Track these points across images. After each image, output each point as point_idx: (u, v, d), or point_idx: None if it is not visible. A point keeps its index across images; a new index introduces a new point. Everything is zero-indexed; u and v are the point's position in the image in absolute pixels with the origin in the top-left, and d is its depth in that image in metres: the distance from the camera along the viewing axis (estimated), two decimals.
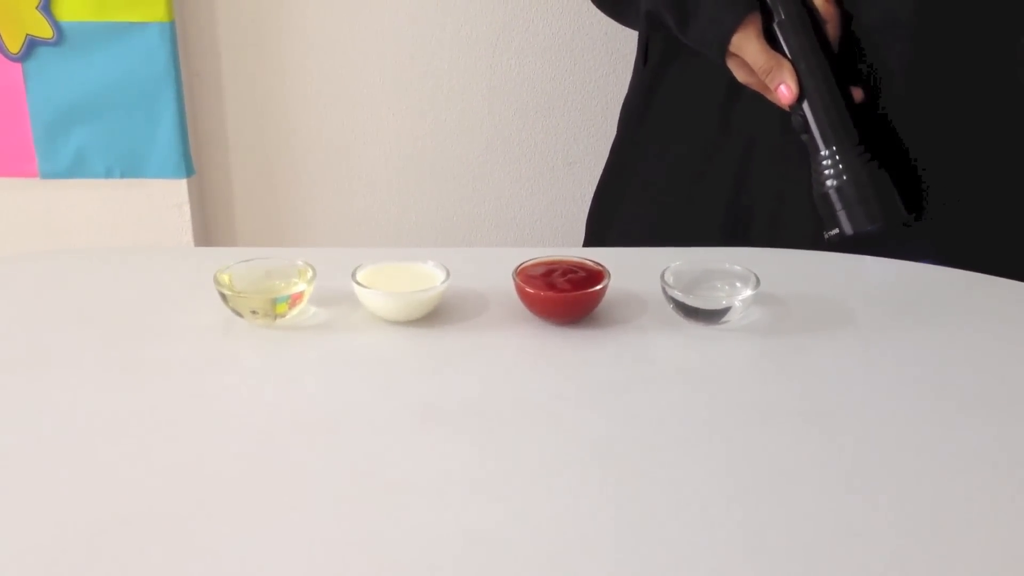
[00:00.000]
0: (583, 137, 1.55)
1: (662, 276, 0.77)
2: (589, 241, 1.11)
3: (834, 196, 0.81)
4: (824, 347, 0.74)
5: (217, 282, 0.75)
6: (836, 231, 0.82)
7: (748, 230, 0.97)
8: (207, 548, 0.52)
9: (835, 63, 0.83)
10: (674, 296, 0.76)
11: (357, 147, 1.56)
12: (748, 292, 0.76)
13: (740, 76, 0.87)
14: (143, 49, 1.41)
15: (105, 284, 0.84)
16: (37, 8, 1.38)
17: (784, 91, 0.82)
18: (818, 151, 0.82)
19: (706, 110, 0.96)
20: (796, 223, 0.93)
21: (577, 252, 0.80)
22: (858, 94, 0.84)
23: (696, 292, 0.77)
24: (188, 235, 1.56)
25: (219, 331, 0.75)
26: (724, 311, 0.76)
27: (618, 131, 1.07)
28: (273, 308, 0.75)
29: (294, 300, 0.76)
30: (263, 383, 0.69)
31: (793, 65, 0.82)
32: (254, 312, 0.75)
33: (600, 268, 0.77)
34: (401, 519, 0.54)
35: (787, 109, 0.83)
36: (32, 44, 1.41)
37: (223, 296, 0.75)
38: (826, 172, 0.81)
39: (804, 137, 0.83)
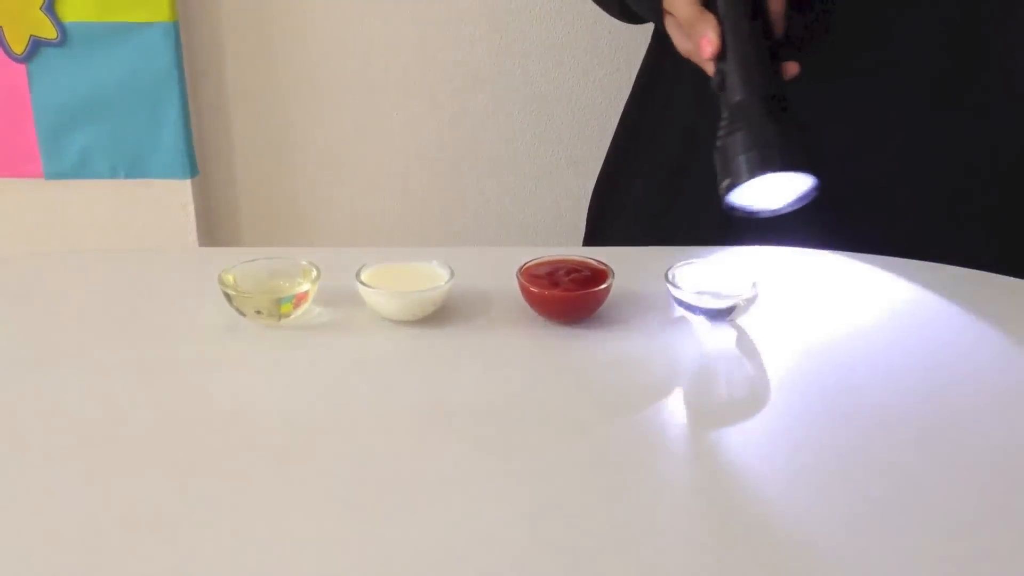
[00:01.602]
0: (586, 135, 1.55)
1: (666, 275, 0.77)
2: (589, 235, 1.11)
3: (732, 143, 0.71)
4: (827, 345, 0.74)
5: (221, 282, 0.75)
6: (728, 180, 0.71)
7: (742, 224, 0.96)
8: (210, 547, 0.52)
9: (770, 30, 0.77)
10: (678, 295, 0.76)
11: (361, 147, 1.56)
12: (752, 291, 0.76)
13: (678, 43, 0.83)
14: (147, 49, 1.41)
15: (109, 284, 0.84)
16: (41, 9, 1.38)
17: (705, 45, 0.76)
18: (726, 105, 0.73)
19: (697, 105, 0.96)
20: (791, 216, 0.92)
21: (581, 251, 0.80)
22: (793, 67, 0.77)
23: (700, 291, 0.77)
24: (192, 235, 1.56)
25: (223, 331, 0.75)
26: (728, 310, 0.76)
27: (617, 125, 1.07)
28: (277, 308, 0.75)
29: (298, 300, 0.76)
30: (267, 383, 0.69)
31: (720, 22, 0.75)
32: (258, 312, 0.75)
33: (604, 267, 0.77)
34: (405, 518, 0.54)
35: (711, 73, 0.77)
36: (36, 45, 1.41)
37: (227, 296, 0.75)
38: (729, 122, 0.72)
39: (720, 96, 0.75)
